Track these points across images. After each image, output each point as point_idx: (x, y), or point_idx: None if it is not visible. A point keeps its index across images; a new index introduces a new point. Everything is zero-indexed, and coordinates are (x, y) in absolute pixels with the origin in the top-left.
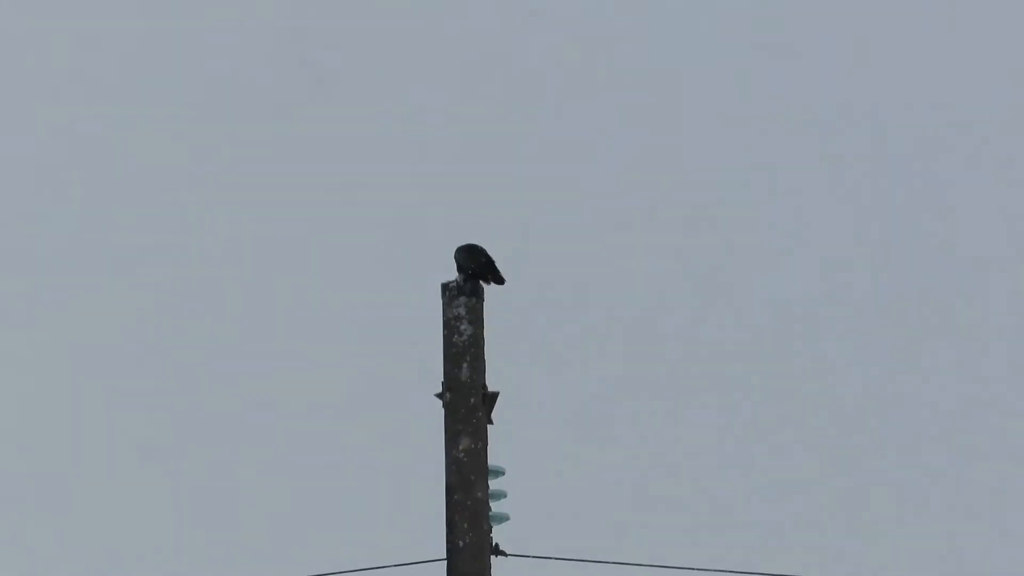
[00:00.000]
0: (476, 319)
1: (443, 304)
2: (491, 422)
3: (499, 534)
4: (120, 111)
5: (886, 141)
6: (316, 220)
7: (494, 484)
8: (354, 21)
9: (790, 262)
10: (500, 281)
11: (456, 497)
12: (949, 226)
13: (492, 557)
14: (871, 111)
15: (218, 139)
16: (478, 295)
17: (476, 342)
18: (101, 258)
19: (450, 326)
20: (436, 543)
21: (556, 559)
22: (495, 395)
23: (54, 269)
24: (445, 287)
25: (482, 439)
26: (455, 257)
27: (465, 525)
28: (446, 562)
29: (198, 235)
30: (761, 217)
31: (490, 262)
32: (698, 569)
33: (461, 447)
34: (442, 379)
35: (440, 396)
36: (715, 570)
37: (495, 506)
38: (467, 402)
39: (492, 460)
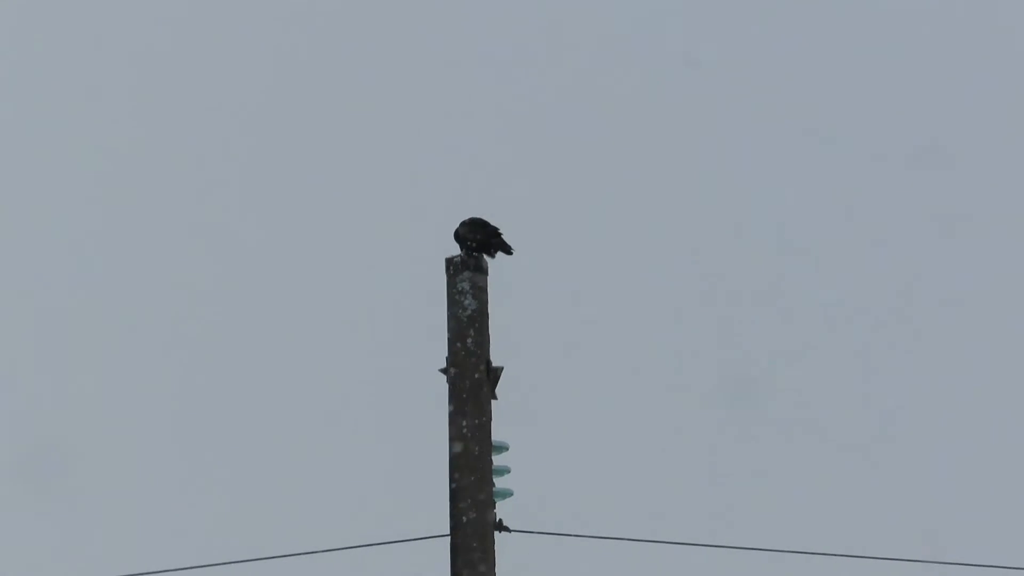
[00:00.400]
0: (480, 294)
1: (447, 279)
2: (495, 397)
3: (503, 509)
4: (127, 107)
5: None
6: (321, 198)
7: (498, 459)
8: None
9: (792, 252)
10: (508, 251)
11: (460, 473)
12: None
13: (496, 532)
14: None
15: (225, 126)
16: (482, 269)
17: (480, 317)
18: (111, 249)
19: (454, 301)
20: (440, 518)
21: (560, 535)
22: (499, 370)
23: (54, 268)
24: (449, 262)
25: (486, 414)
26: (459, 230)
27: (469, 501)
28: (450, 537)
29: (204, 220)
30: (767, 201)
31: (496, 233)
32: (701, 545)
33: (465, 422)
34: (446, 354)
35: (444, 371)
36: (718, 546)
37: (499, 482)
38: (471, 377)
39: (496, 435)
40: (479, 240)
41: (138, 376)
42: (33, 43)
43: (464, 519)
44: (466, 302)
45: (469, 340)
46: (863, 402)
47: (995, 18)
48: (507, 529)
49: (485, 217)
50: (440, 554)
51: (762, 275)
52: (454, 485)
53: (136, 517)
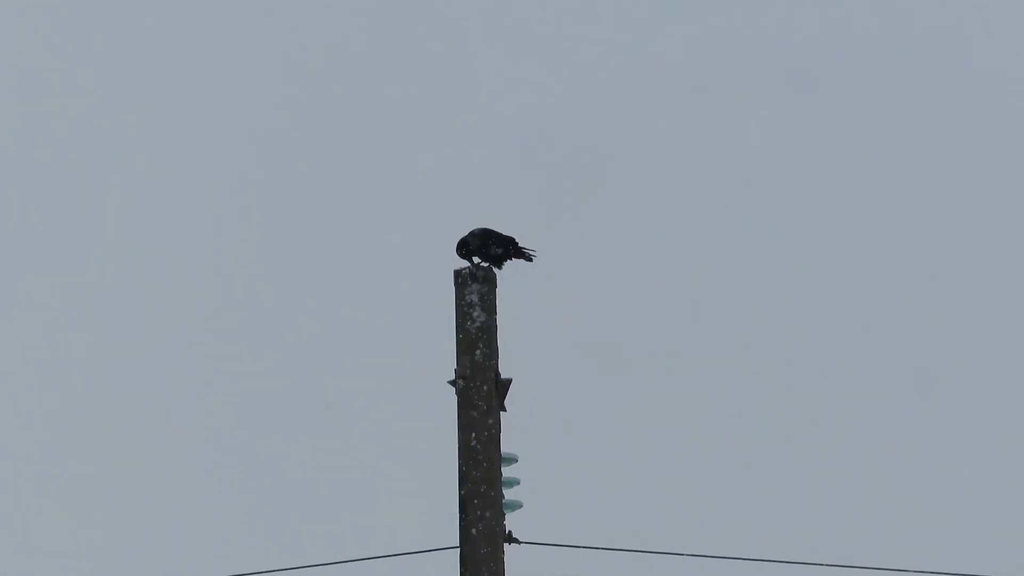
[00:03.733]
0: (488, 305)
1: (455, 291)
2: (504, 409)
3: (512, 521)
4: (132, 109)
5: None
6: (328, 208)
7: (507, 471)
8: (378, 8)
9: (795, 261)
10: (528, 258)
11: (469, 484)
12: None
13: (505, 545)
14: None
15: (232, 132)
16: (491, 281)
17: (489, 329)
18: (119, 252)
19: (462, 313)
20: (449, 531)
21: (569, 547)
22: (508, 382)
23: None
24: (457, 274)
25: (495, 426)
26: (469, 241)
27: (478, 513)
28: (459, 550)
29: (211, 228)
30: (775, 211)
31: (512, 241)
32: (713, 557)
33: (474, 434)
34: (455, 366)
35: (453, 383)
36: (731, 558)
37: (508, 493)
38: (480, 389)
39: (505, 447)
40: (498, 248)
41: (148, 385)
42: (52, 46)
43: (473, 531)
44: (474, 314)
45: (477, 352)
46: (880, 406)
47: None
48: (516, 540)
49: (496, 228)
50: (449, 566)
51: (772, 280)
52: (463, 496)
53: (140, 534)
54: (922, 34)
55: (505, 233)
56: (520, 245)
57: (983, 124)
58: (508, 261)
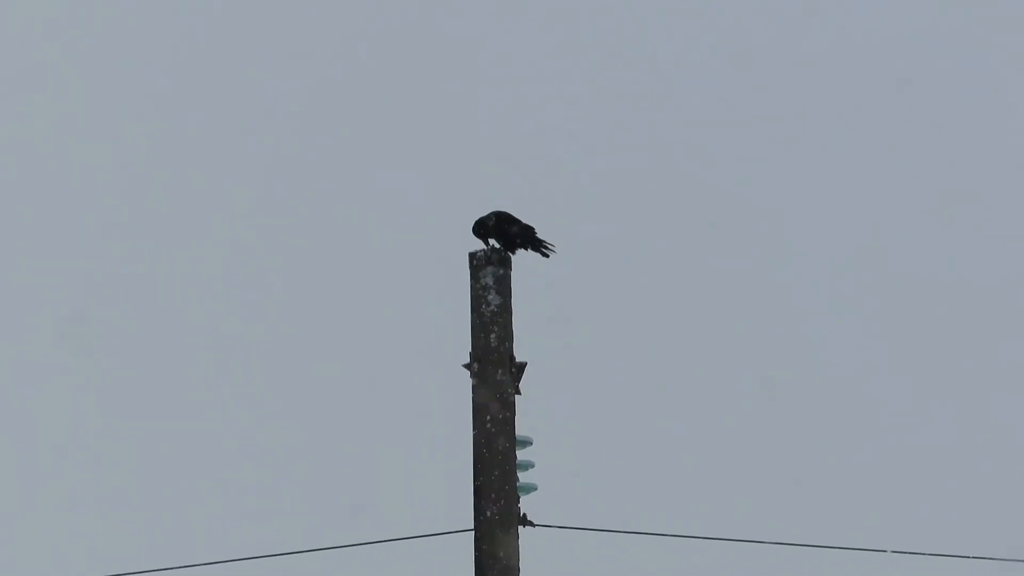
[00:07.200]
0: (504, 289)
1: (470, 274)
2: (519, 392)
3: (527, 504)
4: (139, 109)
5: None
6: (345, 193)
7: (522, 454)
8: (396, 10)
9: (800, 258)
10: (544, 254)
11: (483, 467)
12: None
13: (520, 527)
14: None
15: (244, 121)
16: (506, 264)
17: (504, 312)
18: (127, 239)
19: (478, 296)
20: (464, 514)
21: (584, 529)
22: (523, 365)
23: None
24: (472, 256)
25: (510, 409)
26: (487, 221)
27: (493, 496)
28: (474, 533)
29: (227, 215)
30: (778, 208)
31: (531, 229)
32: (727, 539)
33: (488, 417)
34: (470, 349)
35: (468, 367)
36: (745, 540)
37: (523, 476)
38: (495, 372)
39: (520, 430)
40: (518, 237)
41: (160, 370)
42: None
43: (488, 514)
44: (489, 297)
45: (492, 335)
46: (880, 399)
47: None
48: (531, 524)
49: (511, 211)
50: (464, 549)
51: (783, 275)
52: (478, 480)
53: (155, 518)
54: (920, 35)
55: (525, 221)
56: (538, 236)
57: (983, 124)
58: (523, 250)
